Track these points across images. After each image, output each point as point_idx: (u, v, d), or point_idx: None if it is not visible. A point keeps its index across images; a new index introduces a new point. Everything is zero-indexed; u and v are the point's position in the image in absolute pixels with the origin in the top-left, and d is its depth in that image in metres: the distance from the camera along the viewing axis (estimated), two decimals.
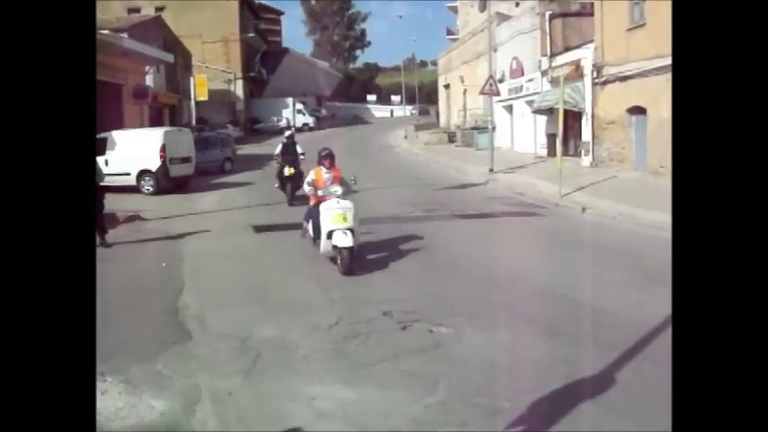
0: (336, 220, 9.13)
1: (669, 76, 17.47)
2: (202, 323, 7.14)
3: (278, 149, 17.58)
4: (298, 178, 15.90)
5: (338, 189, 9.53)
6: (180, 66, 40.24)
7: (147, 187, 20.08)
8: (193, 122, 39.00)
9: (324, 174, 9.90)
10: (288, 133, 18.47)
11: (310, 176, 10.00)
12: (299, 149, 17.47)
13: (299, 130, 54.68)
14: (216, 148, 27.32)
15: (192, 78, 42.11)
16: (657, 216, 13.00)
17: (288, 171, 16.80)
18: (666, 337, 6.32)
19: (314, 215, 9.71)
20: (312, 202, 10.03)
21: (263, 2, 72.24)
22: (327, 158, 9.99)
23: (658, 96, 18.48)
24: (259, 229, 13.26)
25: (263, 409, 4.94)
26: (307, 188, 10.06)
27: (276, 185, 17.61)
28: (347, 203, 9.41)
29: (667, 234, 11.80)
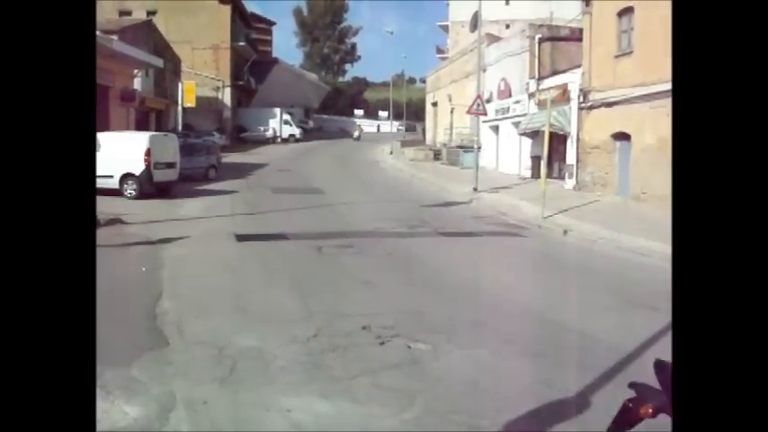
0: None
1: (654, 103, 17.74)
2: (180, 330, 7.07)
3: None
4: None
5: None
6: (169, 71, 40.10)
7: (129, 191, 19.92)
8: (180, 128, 38.81)
9: None
10: None
11: None
12: None
13: (285, 141, 54.89)
14: (201, 155, 27.21)
15: (180, 84, 41.94)
16: (638, 241, 13.13)
17: None
18: (646, 361, 6.37)
19: None
20: None
21: (255, 11, 72.47)
22: None
23: (643, 123, 18.72)
24: (241, 237, 13.19)
25: (237, 419, 4.90)
26: None
27: None
28: None
29: (647, 259, 11.93)
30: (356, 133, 62.60)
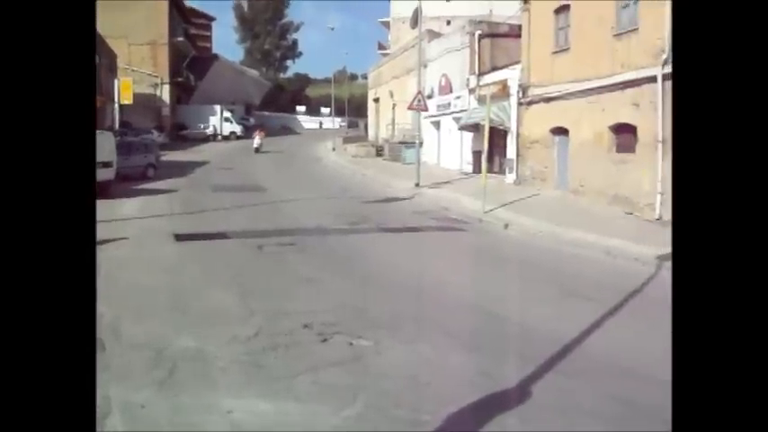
0: None
1: (590, 98, 18.14)
2: (117, 333, 6.88)
3: None
4: None
5: None
6: (104, 67, 39.04)
7: None
8: (117, 126, 37.91)
9: None
10: None
11: None
12: None
13: (226, 138, 54.13)
14: (139, 154, 26.61)
15: (116, 81, 40.93)
16: (576, 234, 13.42)
17: None
18: (582, 350, 6.51)
19: None
20: None
21: (194, 6, 71.12)
22: None
23: (580, 118, 19.12)
24: (180, 237, 12.96)
25: (177, 422, 4.80)
26: None
27: None
28: None
29: (583, 251, 12.20)
30: (256, 141, 42.73)
